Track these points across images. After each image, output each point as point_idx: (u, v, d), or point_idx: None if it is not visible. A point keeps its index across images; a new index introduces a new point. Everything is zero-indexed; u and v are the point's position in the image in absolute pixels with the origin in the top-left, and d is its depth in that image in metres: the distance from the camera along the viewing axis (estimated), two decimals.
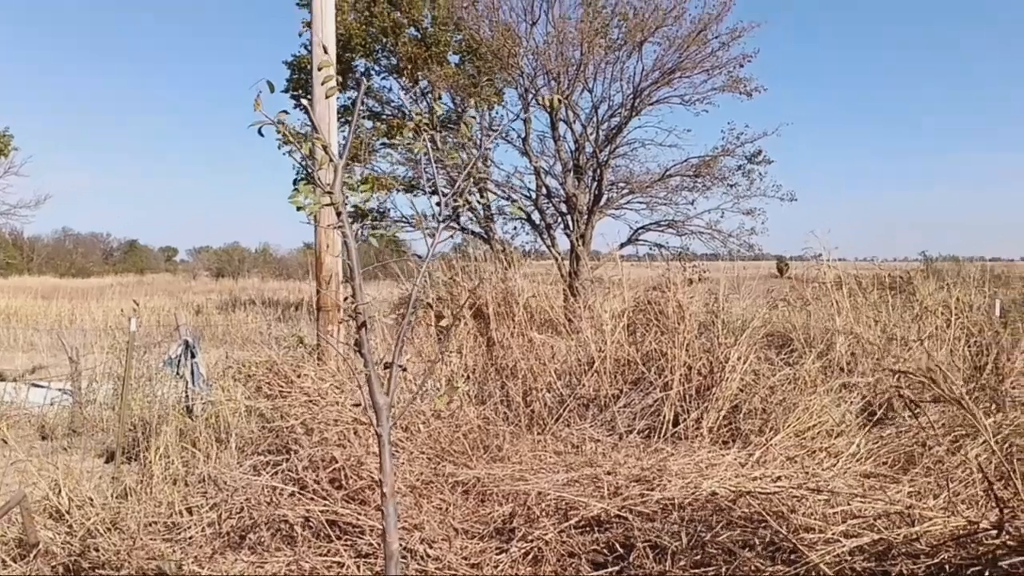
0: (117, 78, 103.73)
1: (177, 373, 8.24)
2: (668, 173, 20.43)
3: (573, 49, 19.46)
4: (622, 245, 20.60)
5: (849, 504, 4.04)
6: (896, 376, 6.29)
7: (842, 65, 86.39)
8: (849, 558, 3.58)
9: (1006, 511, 3.39)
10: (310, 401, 6.20)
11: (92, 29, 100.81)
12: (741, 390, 6.49)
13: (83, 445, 8.04)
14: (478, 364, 7.66)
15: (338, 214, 2.36)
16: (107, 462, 7.35)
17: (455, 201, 2.62)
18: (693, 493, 4.49)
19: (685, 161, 20.45)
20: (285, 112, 2.34)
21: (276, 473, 5.32)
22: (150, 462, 5.88)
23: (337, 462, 5.21)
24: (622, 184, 20.91)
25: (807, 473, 4.86)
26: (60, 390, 10.26)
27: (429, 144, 2.94)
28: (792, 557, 3.73)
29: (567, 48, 19.46)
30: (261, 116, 2.36)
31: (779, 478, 4.77)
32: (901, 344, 7.46)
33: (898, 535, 3.60)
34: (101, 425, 8.86)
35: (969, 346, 7.64)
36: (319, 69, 2.49)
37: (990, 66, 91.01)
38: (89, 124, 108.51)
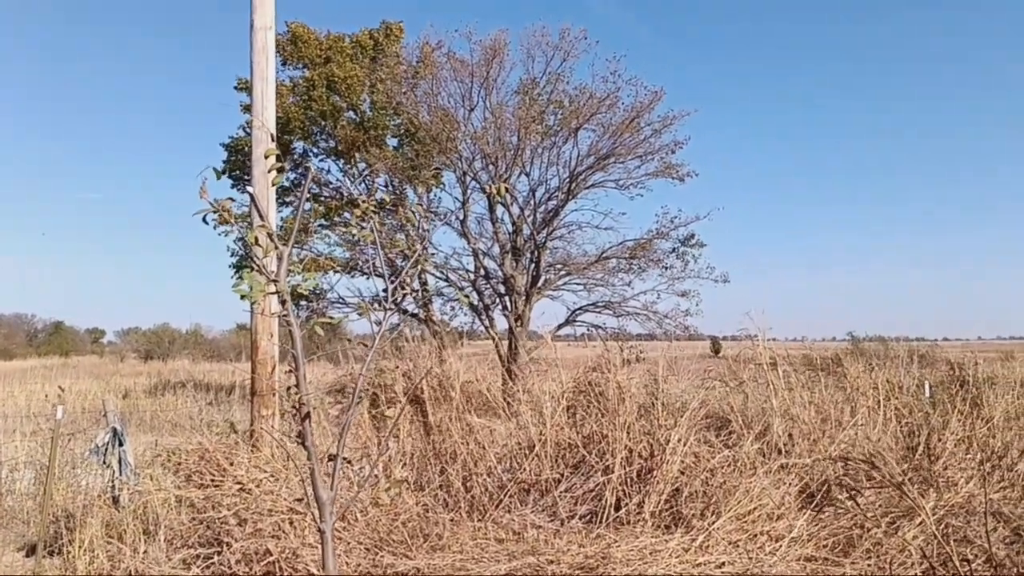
0: (42, 153, 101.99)
1: (104, 462, 7.89)
2: (604, 255, 20.70)
3: (510, 135, 19.84)
4: (560, 326, 20.70)
5: None
6: (837, 462, 6.36)
7: (769, 151, 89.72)
8: None
9: None
10: (243, 490, 5.99)
11: (12, 108, 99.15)
12: (682, 472, 6.48)
13: (2, 538, 7.61)
14: (416, 449, 7.53)
15: (283, 303, 2.32)
16: (27, 556, 6.96)
17: (403, 289, 2.60)
18: None
19: (621, 244, 20.79)
20: (232, 199, 2.31)
21: (207, 567, 5.10)
22: (74, 556, 5.60)
23: (272, 555, 5.02)
24: (559, 266, 21.12)
25: (751, 559, 4.84)
26: None
27: (374, 229, 2.93)
28: None
29: (504, 133, 19.84)
30: (204, 202, 2.33)
31: (723, 564, 4.74)
32: (836, 425, 7.57)
33: None
34: (22, 516, 8.39)
35: (901, 427, 7.79)
36: (265, 157, 2.48)
37: (918, 154, 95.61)
38: (12, 202, 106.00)
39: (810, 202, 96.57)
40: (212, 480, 6.27)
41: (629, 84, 19.73)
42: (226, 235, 22.16)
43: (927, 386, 9.75)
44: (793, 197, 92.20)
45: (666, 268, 20.98)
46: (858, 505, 5.75)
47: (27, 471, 9.52)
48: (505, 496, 6.66)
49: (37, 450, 9.65)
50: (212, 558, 5.20)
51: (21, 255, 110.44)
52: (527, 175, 20.88)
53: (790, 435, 7.50)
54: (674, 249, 21.04)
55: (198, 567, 5.07)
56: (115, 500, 7.46)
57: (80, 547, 5.63)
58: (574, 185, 20.23)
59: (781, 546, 5.23)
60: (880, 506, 5.73)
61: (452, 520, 6.16)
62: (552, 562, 4.99)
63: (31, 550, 6.97)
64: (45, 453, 7.98)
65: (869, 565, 4.83)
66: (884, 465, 5.80)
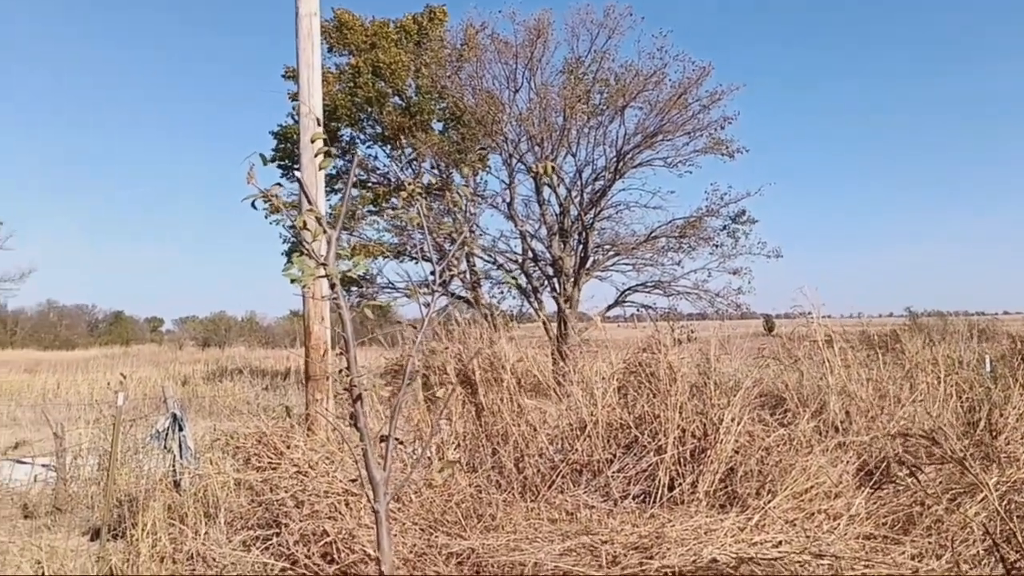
0: (100, 146, 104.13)
1: (164, 446, 8.09)
2: (653, 234, 20.55)
3: (556, 115, 19.77)
4: (609, 307, 20.64)
5: (853, 568, 3.97)
6: (896, 438, 6.24)
7: (822, 121, 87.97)
8: None
9: (1012, 571, 3.34)
10: (300, 473, 6.09)
11: (73, 103, 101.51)
12: (736, 452, 6.41)
13: (67, 523, 7.84)
14: (468, 431, 7.57)
15: (332, 286, 2.33)
16: (92, 540, 7.16)
17: (450, 271, 2.60)
18: (694, 560, 4.40)
19: (670, 222, 20.63)
20: (280, 184, 2.33)
21: (266, 548, 5.20)
22: (136, 539, 5.73)
23: (328, 535, 5.10)
24: (608, 246, 21.03)
25: (808, 537, 4.78)
26: (44, 466, 10.06)
27: (421, 212, 2.93)
28: None
29: (550, 114, 19.77)
30: (253, 188, 2.35)
31: (780, 543, 4.68)
32: (894, 402, 7.43)
33: None
34: (86, 501, 8.64)
35: (961, 402, 7.62)
36: (312, 142, 2.50)
37: (972, 127, 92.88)
38: (73, 195, 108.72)
39: (864, 178, 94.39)
40: (269, 463, 6.38)
41: (676, 60, 19.57)
42: (277, 223, 22.54)
43: (988, 360, 9.51)
44: (849, 173, 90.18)
45: (717, 246, 20.78)
46: (918, 482, 5.65)
47: (91, 457, 9.79)
48: (557, 477, 6.67)
49: (100, 437, 9.91)
50: (271, 539, 5.30)
51: (84, 247, 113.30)
52: (573, 155, 20.81)
53: (847, 412, 7.38)
54: (724, 227, 20.83)
55: (257, 548, 5.17)
56: (176, 484, 7.65)
57: (143, 530, 5.77)
58: (621, 164, 20.10)
59: (839, 524, 5.15)
60: (941, 483, 5.61)
61: (505, 501, 6.18)
62: (606, 542, 4.99)
63: (95, 534, 7.17)
64: (108, 439, 8.19)
65: (930, 542, 4.74)
66: (944, 441, 5.68)
